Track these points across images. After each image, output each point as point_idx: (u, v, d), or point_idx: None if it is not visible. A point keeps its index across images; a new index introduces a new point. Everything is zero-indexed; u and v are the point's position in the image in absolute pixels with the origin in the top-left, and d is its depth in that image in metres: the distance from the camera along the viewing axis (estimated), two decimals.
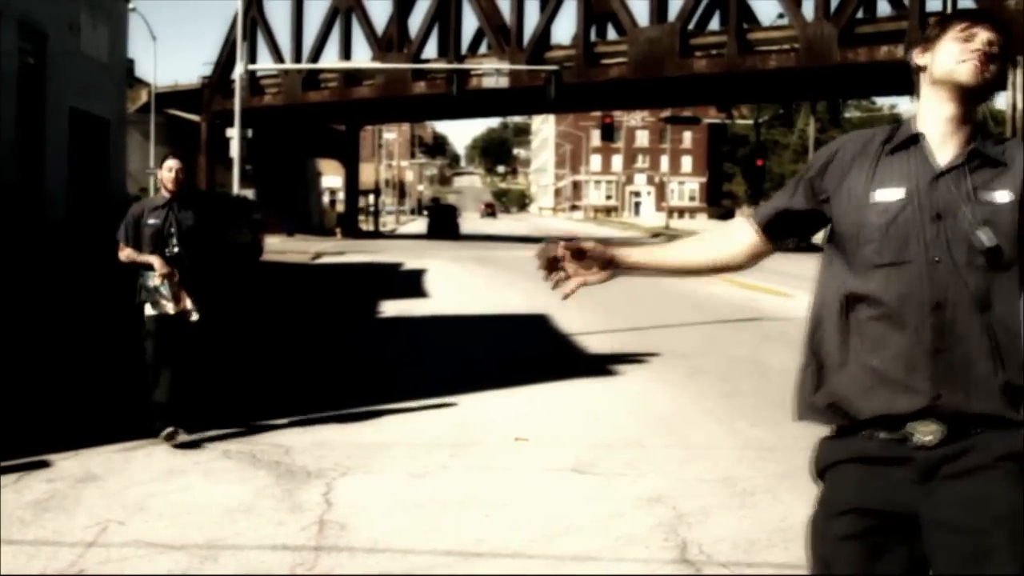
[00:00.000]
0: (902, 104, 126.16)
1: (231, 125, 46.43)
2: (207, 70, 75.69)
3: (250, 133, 47.49)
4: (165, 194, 9.86)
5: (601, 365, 14.45)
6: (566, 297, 3.66)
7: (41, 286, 23.34)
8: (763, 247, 3.65)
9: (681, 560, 6.62)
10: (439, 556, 6.59)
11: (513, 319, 20.76)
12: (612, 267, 3.64)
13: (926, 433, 3.22)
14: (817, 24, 52.01)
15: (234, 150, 45.32)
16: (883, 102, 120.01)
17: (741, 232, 3.66)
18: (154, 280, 9.64)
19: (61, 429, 9.97)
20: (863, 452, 3.32)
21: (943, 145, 3.35)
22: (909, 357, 3.23)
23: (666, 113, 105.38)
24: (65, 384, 12.50)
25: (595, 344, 16.65)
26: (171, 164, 9.82)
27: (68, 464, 8.71)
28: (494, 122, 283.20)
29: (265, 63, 70.29)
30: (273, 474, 8.56)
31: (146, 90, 70.59)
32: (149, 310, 9.81)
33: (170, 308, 9.72)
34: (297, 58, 69.67)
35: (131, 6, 40.33)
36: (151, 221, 9.75)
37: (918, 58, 3.50)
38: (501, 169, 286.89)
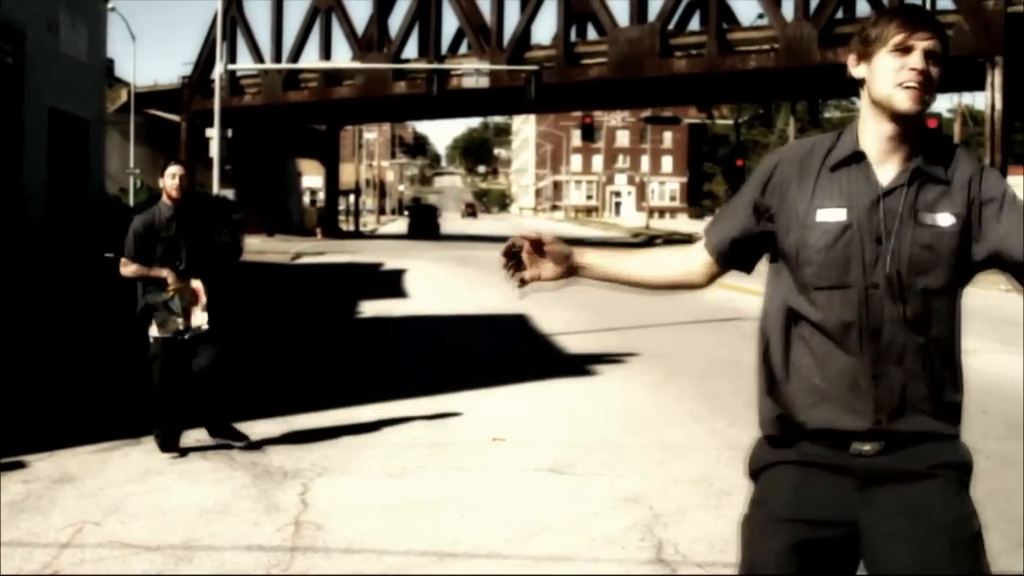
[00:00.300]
0: None
1: (211, 125, 46.27)
2: (187, 70, 75.56)
3: (230, 133, 47.28)
4: (168, 202, 9.24)
5: (580, 365, 14.46)
6: (521, 287, 3.69)
7: (19, 286, 23.26)
8: (720, 270, 3.61)
9: (657, 560, 6.62)
10: (414, 557, 6.59)
11: (493, 319, 20.75)
12: (567, 265, 3.64)
13: (865, 444, 3.26)
14: (797, 24, 52.15)
15: (214, 150, 45.16)
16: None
17: (698, 255, 3.60)
18: (163, 296, 9.11)
19: (38, 430, 9.95)
20: (803, 456, 3.35)
21: (885, 162, 3.31)
22: (851, 378, 3.25)
23: (646, 113, 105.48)
24: (43, 384, 12.47)
25: (575, 344, 16.66)
26: (174, 171, 9.22)
27: (44, 465, 8.69)
28: (475, 122, 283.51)
29: (245, 63, 70.22)
30: (250, 474, 8.55)
31: (126, 90, 70.57)
32: (155, 331, 9.21)
33: (180, 324, 9.18)
34: (277, 58, 69.59)
35: (110, 6, 40.27)
36: (162, 233, 9.18)
37: (853, 69, 3.41)
38: (482, 169, 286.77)
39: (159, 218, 9.25)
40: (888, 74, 3.25)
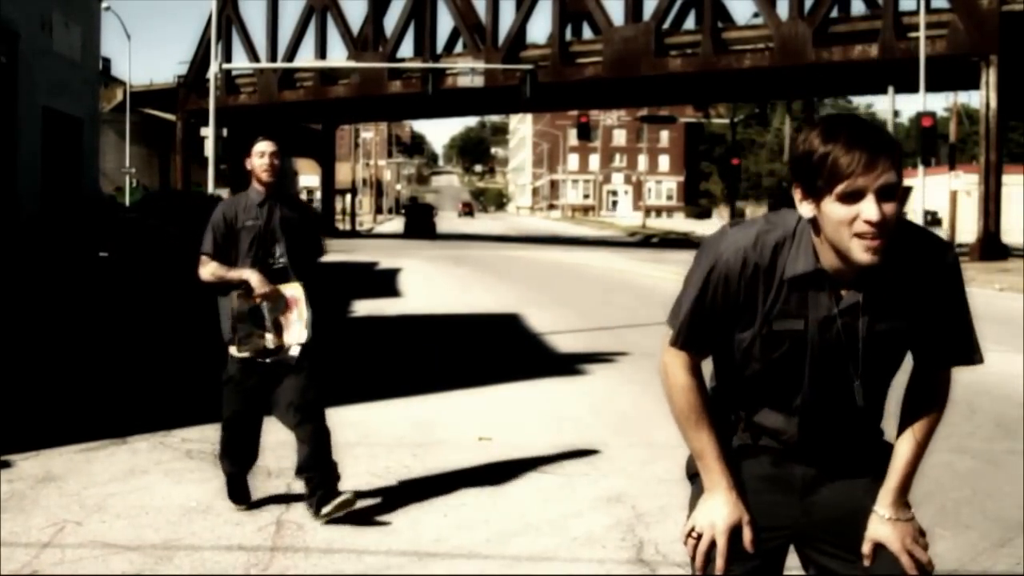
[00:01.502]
0: (878, 103, 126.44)
1: (207, 124, 46.28)
2: (182, 69, 75.56)
3: (225, 132, 47.28)
4: (258, 188, 7.54)
5: (569, 365, 14.46)
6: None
7: (10, 284, 23.24)
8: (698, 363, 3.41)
9: (637, 560, 6.62)
10: (393, 556, 6.59)
11: (485, 319, 20.74)
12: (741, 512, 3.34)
13: (800, 471, 3.35)
14: (792, 24, 52.18)
15: (209, 149, 45.15)
16: (859, 100, 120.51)
17: (695, 372, 3.37)
18: (247, 304, 7.34)
19: (25, 429, 9.93)
20: (750, 470, 3.38)
21: (845, 275, 3.13)
22: (791, 447, 3.32)
23: (642, 112, 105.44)
24: (31, 383, 12.45)
25: (565, 344, 16.66)
26: (263, 147, 7.52)
27: (29, 464, 8.68)
28: (472, 121, 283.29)
29: (241, 62, 70.17)
30: None
31: (121, 89, 70.51)
32: (235, 350, 7.43)
33: (269, 341, 7.34)
34: (272, 57, 69.61)
35: (105, 5, 40.28)
36: (248, 223, 7.46)
37: (801, 206, 3.11)
38: (479, 168, 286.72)
39: (245, 206, 7.54)
40: (841, 225, 2.99)
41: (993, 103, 45.44)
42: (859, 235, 2.96)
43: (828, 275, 3.12)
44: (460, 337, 18.24)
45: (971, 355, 3.32)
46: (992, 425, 10.77)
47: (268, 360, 7.39)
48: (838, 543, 3.33)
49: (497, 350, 16.48)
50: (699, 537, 3.30)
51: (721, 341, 3.32)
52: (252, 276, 7.32)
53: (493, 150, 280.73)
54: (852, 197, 2.94)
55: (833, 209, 2.98)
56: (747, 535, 3.26)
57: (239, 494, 7.64)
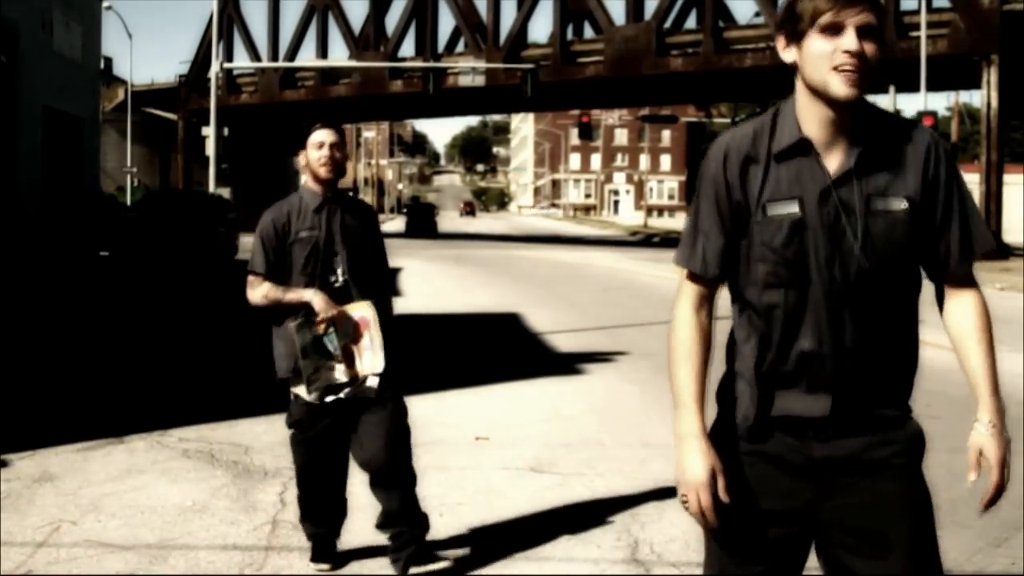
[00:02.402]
0: (880, 102, 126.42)
1: (208, 124, 46.33)
2: (184, 68, 75.64)
3: (226, 132, 47.35)
4: (314, 187, 6.26)
5: (568, 364, 14.45)
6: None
7: (9, 283, 23.27)
8: (714, 294, 3.40)
9: (631, 559, 6.62)
10: (387, 555, 6.58)
11: (484, 318, 20.73)
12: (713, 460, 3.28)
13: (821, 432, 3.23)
14: None
15: (210, 149, 45.21)
16: None
17: (701, 301, 3.37)
18: (312, 331, 6.07)
19: (21, 428, 9.93)
20: (759, 449, 3.31)
21: (830, 147, 3.17)
22: (810, 369, 3.21)
23: (644, 112, 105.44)
24: (29, 382, 12.45)
25: (564, 343, 16.65)
26: (322, 136, 6.21)
27: (25, 464, 8.68)
28: (474, 121, 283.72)
29: (242, 61, 70.24)
30: (230, 473, 8.54)
31: (123, 88, 70.58)
32: (302, 391, 6.14)
33: (340, 375, 6.11)
34: (274, 56, 69.69)
35: (106, 4, 40.30)
36: (303, 234, 6.18)
37: (784, 53, 3.24)
38: (481, 168, 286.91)
39: (299, 212, 6.26)
40: (821, 59, 3.09)
41: (994, 102, 45.45)
42: (837, 68, 3.06)
43: (814, 146, 3.17)
44: (459, 336, 18.23)
45: (985, 242, 3.39)
46: None
47: (341, 396, 6.13)
48: (860, 536, 3.26)
49: (496, 349, 16.48)
50: (687, 497, 3.26)
51: (731, 262, 3.30)
52: (315, 297, 6.05)
53: (495, 149, 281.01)
54: (833, 30, 3.07)
55: (814, 43, 3.10)
56: (720, 483, 3.21)
57: (326, 554, 6.48)
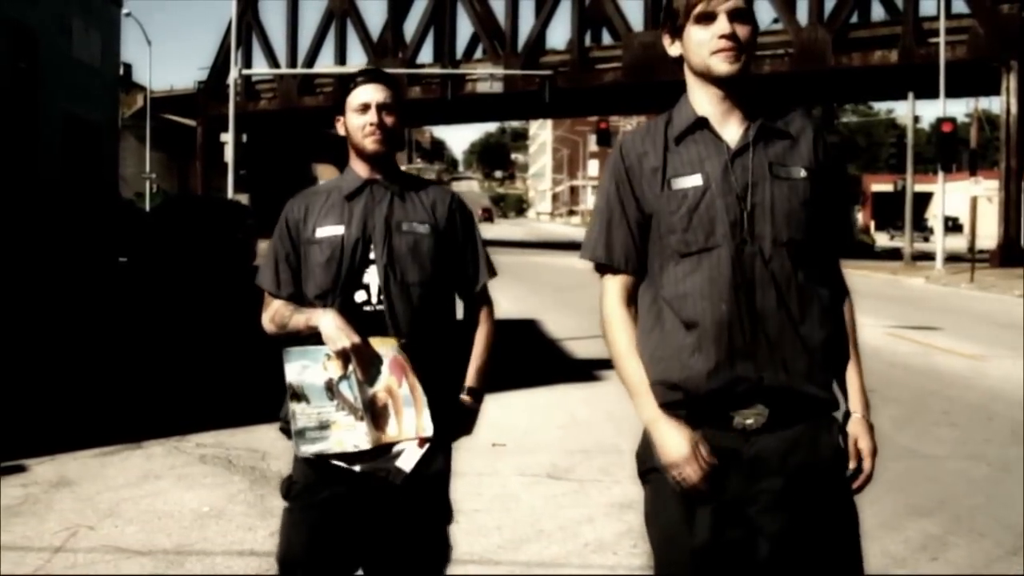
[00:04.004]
0: (899, 108, 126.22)
1: (226, 130, 46.44)
2: (203, 75, 75.78)
3: (245, 138, 47.47)
4: (358, 167, 4.41)
5: (585, 370, 14.43)
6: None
7: (27, 288, 23.35)
8: (635, 284, 3.49)
9: (648, 567, 6.55)
10: None
11: (501, 324, 20.53)
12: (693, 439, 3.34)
13: (748, 416, 3.28)
14: (811, 29, 52.19)
15: (228, 155, 45.33)
16: (879, 106, 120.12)
17: (620, 293, 3.48)
18: (327, 369, 4.15)
19: (40, 433, 9.97)
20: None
21: (726, 123, 3.37)
22: (729, 339, 3.26)
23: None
24: (48, 387, 12.48)
25: (581, 349, 16.63)
26: (366, 95, 4.34)
27: (43, 469, 8.70)
28: (492, 127, 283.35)
29: (261, 68, 70.41)
30: (248, 479, 8.54)
31: (142, 94, 70.78)
32: (304, 446, 4.15)
33: (363, 439, 4.13)
34: (292, 63, 69.88)
35: (125, 11, 40.40)
36: (322, 231, 4.31)
37: (670, 49, 3.47)
38: (499, 174, 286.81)
39: (325, 201, 4.41)
40: (700, 46, 3.33)
41: (1014, 108, 45.38)
42: (716, 51, 3.29)
43: (711, 124, 3.35)
44: None
45: (848, 242, 3.56)
46: (1008, 432, 10.73)
47: (357, 469, 4.17)
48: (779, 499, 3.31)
49: (513, 356, 16.46)
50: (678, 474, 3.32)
51: (641, 255, 3.44)
52: (324, 320, 4.12)
53: (513, 156, 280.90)
54: (707, 18, 3.30)
55: (692, 33, 3.34)
56: (703, 452, 3.28)
57: None
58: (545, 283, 32.11)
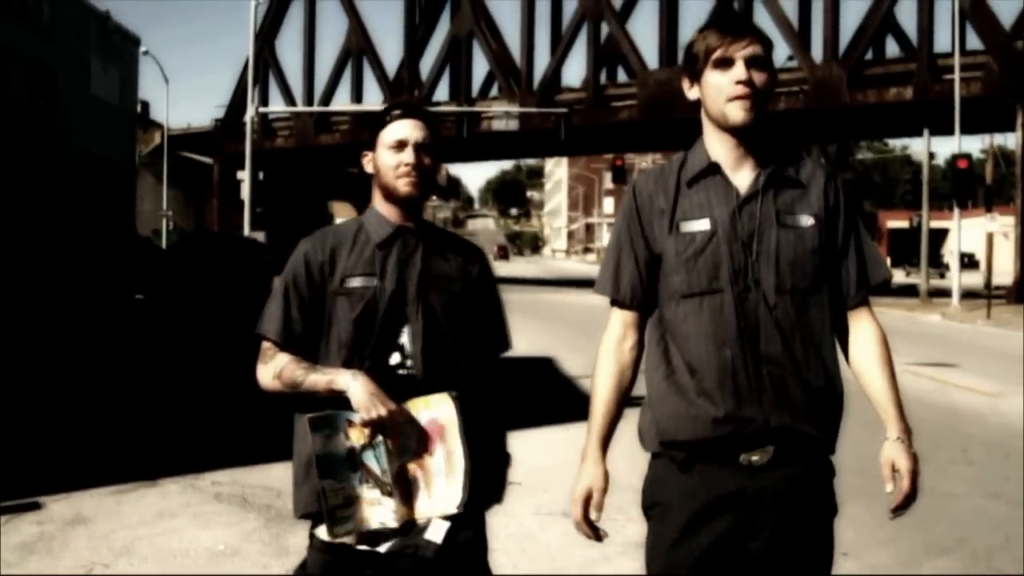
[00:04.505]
0: (914, 145, 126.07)
1: (243, 167, 46.55)
2: (220, 112, 75.97)
3: (262, 175, 47.58)
4: (386, 210, 3.98)
5: None
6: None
7: (46, 324, 23.40)
8: (640, 321, 3.59)
9: None
10: None
11: (518, 362, 20.63)
12: (604, 482, 3.71)
13: (755, 454, 3.35)
14: (826, 66, 52.22)
15: (245, 192, 45.41)
16: (895, 143, 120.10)
17: (623, 329, 3.59)
18: (349, 438, 3.71)
19: (54, 470, 9.97)
20: (695, 487, 3.43)
21: (738, 169, 3.41)
22: (733, 383, 3.32)
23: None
24: (62, 424, 12.48)
25: None
26: (403, 131, 3.93)
27: (59, 506, 8.71)
28: (508, 164, 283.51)
29: (277, 105, 70.63)
30: (263, 517, 8.53)
31: (159, 132, 71.03)
32: (337, 527, 3.67)
33: (390, 516, 3.71)
34: (309, 101, 70.06)
35: (143, 49, 40.58)
36: (354, 281, 3.88)
37: (689, 92, 3.51)
38: (515, 211, 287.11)
39: (355, 246, 3.94)
40: (717, 91, 3.37)
41: None
42: (732, 98, 3.33)
43: (722, 169, 3.40)
44: None
45: (880, 273, 3.57)
46: None
47: (382, 550, 3.74)
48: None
49: (529, 394, 16.45)
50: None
51: (649, 291, 3.51)
52: (355, 386, 3.67)
53: (529, 193, 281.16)
54: (725, 64, 3.35)
55: (710, 78, 3.38)
56: (594, 501, 3.64)
57: None
58: (560, 321, 32.10)
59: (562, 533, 8.23)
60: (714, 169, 3.42)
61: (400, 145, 3.89)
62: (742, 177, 3.40)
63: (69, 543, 7.71)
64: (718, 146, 3.43)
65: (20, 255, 25.50)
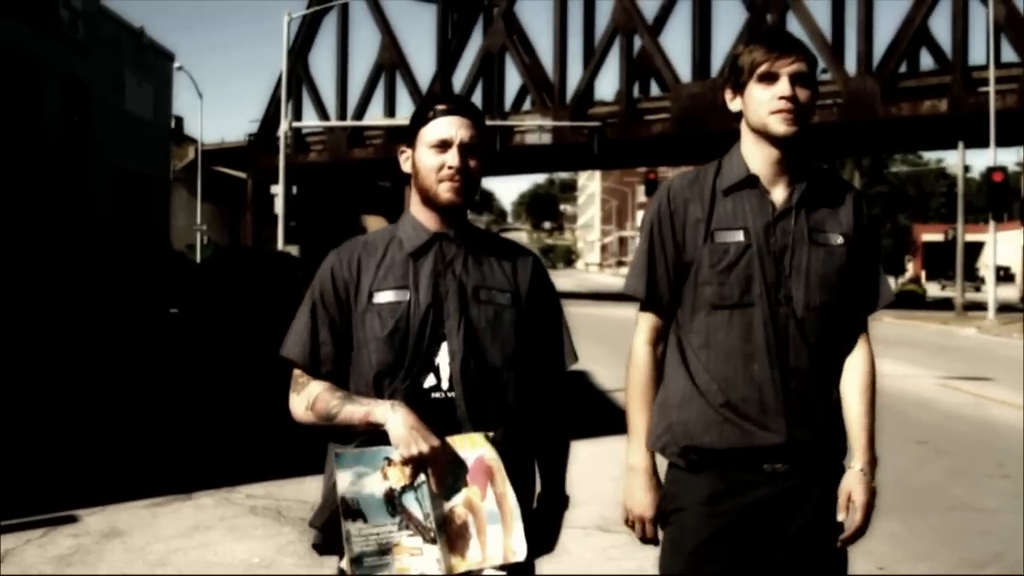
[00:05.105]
0: (949, 158, 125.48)
1: (276, 182, 46.72)
2: (253, 127, 76.29)
3: (295, 190, 47.75)
4: (423, 216, 3.54)
5: None
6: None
7: (83, 338, 23.51)
8: (665, 323, 3.58)
9: None
10: None
11: None
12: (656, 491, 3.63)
13: (777, 464, 3.39)
14: (859, 79, 52.07)
15: (278, 206, 45.57)
16: (930, 156, 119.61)
17: (651, 333, 3.59)
18: (387, 478, 3.24)
19: (90, 483, 10.00)
20: (714, 491, 3.44)
21: (775, 184, 3.44)
22: (760, 396, 3.35)
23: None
24: (98, 437, 12.53)
25: None
26: (446, 130, 3.44)
27: (95, 519, 8.73)
28: (540, 178, 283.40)
29: (311, 120, 70.85)
30: (298, 530, 8.53)
31: (193, 147, 71.29)
32: (347, 565, 3.26)
33: (433, 566, 3.22)
34: (342, 115, 70.27)
35: (177, 65, 40.79)
36: (384, 295, 3.45)
37: (731, 104, 3.54)
38: (548, 225, 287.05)
39: (383, 257, 3.53)
40: (760, 105, 3.40)
41: None
42: (775, 111, 3.36)
43: (760, 181, 3.42)
44: None
45: (887, 296, 3.61)
46: None
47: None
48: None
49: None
50: (634, 524, 3.63)
51: (677, 294, 3.51)
52: (393, 418, 3.26)
53: (562, 207, 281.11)
54: (769, 79, 3.38)
55: (754, 92, 3.41)
56: (650, 524, 3.57)
57: None
58: (594, 334, 32.03)
59: (597, 548, 8.23)
60: (752, 181, 3.44)
61: (444, 145, 3.42)
62: (778, 191, 3.43)
63: (105, 556, 7.74)
64: (757, 158, 3.45)
65: (56, 270, 25.64)
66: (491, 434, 3.32)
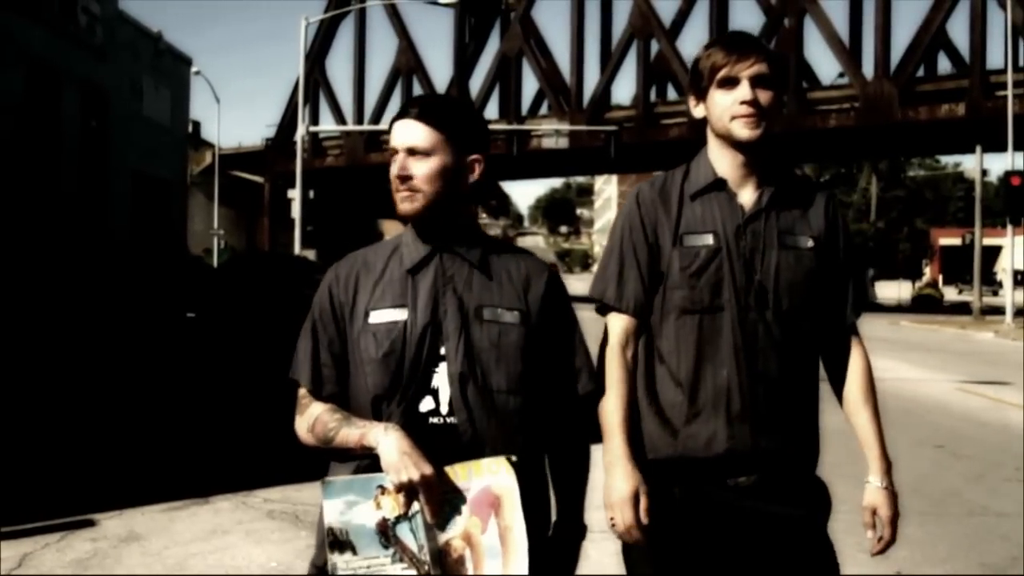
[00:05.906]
0: (966, 162, 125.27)
1: (293, 186, 46.78)
2: (270, 132, 76.39)
3: (312, 194, 47.79)
4: (415, 233, 3.45)
5: None
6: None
7: (99, 343, 23.56)
8: (637, 329, 3.51)
9: None
10: None
11: None
12: (642, 489, 3.36)
13: (742, 476, 3.35)
14: (877, 83, 51.96)
15: (295, 211, 45.62)
16: (947, 160, 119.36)
17: (624, 336, 3.49)
18: (380, 507, 3.08)
19: (108, 488, 10.01)
20: (684, 508, 3.39)
21: (742, 187, 3.42)
22: (727, 401, 3.32)
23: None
24: (115, 441, 12.55)
25: None
26: (395, 136, 3.33)
27: (112, 523, 8.74)
28: (557, 182, 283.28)
29: (327, 125, 70.91)
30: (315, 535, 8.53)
31: (210, 152, 71.43)
32: None
33: None
34: (359, 119, 70.33)
35: (194, 69, 40.87)
36: (377, 317, 3.30)
37: (694, 110, 3.51)
38: (564, 229, 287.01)
39: (381, 273, 3.41)
40: (722, 110, 3.38)
41: None
42: (737, 116, 3.34)
43: (728, 185, 3.41)
44: None
45: (864, 305, 3.60)
46: None
47: None
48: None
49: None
50: (614, 518, 3.40)
51: (647, 300, 3.47)
52: (386, 442, 3.09)
53: (578, 211, 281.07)
54: (730, 83, 3.35)
55: (716, 97, 3.39)
56: (643, 503, 3.32)
57: None
58: None
59: (614, 551, 8.19)
60: (720, 185, 3.43)
61: (392, 153, 3.31)
62: (746, 194, 3.43)
63: (122, 560, 7.74)
64: (724, 162, 3.44)
65: (74, 275, 25.71)
66: (514, 458, 3.08)
